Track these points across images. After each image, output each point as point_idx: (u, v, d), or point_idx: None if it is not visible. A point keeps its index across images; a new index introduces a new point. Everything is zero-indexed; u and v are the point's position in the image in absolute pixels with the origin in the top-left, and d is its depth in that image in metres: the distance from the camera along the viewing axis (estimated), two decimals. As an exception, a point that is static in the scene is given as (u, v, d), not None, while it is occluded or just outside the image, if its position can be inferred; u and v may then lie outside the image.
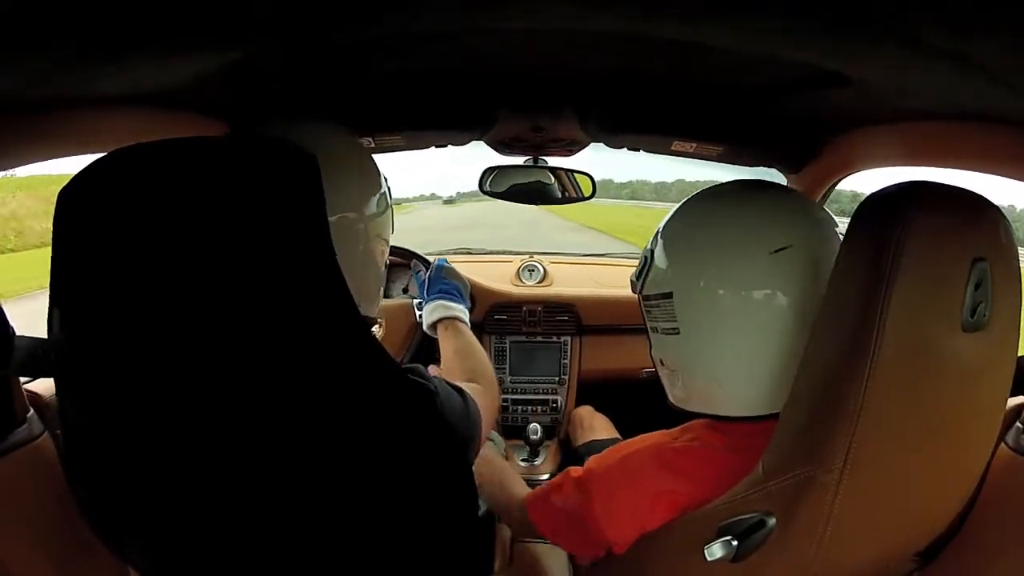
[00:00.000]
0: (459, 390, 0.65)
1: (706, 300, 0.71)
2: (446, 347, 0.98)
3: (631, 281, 0.85)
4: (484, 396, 0.75)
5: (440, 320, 1.02)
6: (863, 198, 0.58)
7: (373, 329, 1.38)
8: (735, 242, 0.70)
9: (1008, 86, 0.56)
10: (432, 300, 1.05)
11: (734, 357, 0.71)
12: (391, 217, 0.82)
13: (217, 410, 0.46)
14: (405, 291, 1.63)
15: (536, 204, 1.60)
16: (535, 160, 1.49)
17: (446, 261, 1.14)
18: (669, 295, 0.75)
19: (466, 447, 0.64)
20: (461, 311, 1.04)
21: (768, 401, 0.69)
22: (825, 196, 1.18)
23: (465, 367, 0.89)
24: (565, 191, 1.56)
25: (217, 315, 0.44)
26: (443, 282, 1.08)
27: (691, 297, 0.73)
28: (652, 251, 0.79)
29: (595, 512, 0.75)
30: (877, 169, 1.02)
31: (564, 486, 0.81)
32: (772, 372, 0.69)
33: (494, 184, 1.53)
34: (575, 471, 0.81)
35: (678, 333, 0.75)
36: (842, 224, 0.69)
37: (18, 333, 0.67)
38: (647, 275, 0.80)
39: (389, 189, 0.81)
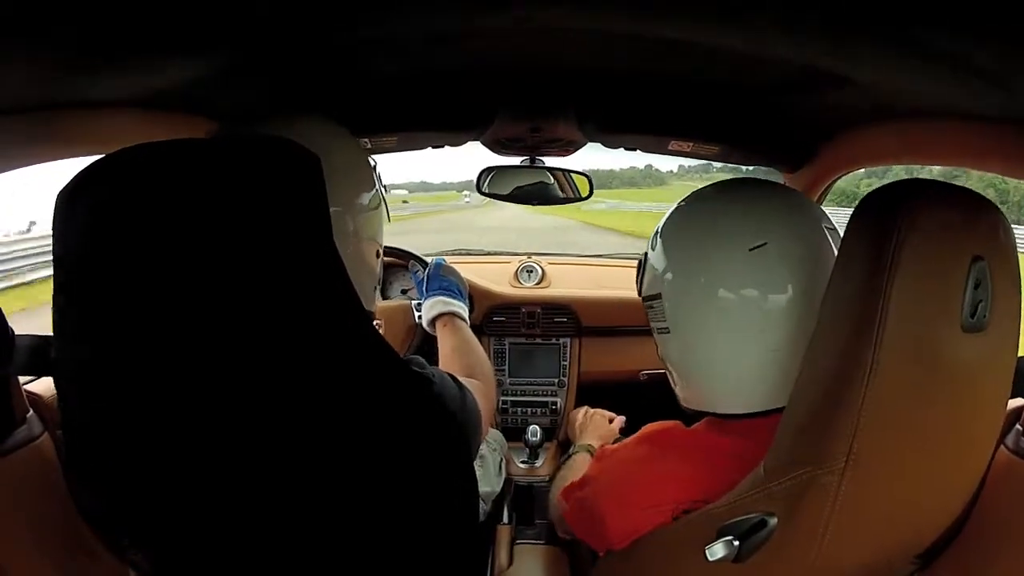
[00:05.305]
0: (456, 380, 0.66)
1: (689, 298, 0.73)
2: (444, 344, 0.97)
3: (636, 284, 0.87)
4: (482, 393, 0.75)
5: (439, 316, 1.03)
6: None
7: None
8: (713, 241, 0.72)
9: (1006, 86, 0.56)
10: (431, 297, 1.05)
11: (720, 353, 0.72)
12: (384, 215, 0.82)
13: (220, 406, 0.46)
14: (404, 292, 1.63)
15: (533, 204, 1.60)
16: (532, 160, 1.48)
17: (444, 260, 1.14)
18: (659, 296, 0.77)
19: (465, 437, 0.64)
20: (460, 307, 1.05)
21: (762, 398, 0.70)
22: (824, 194, 1.18)
23: (463, 364, 0.89)
24: (564, 191, 1.56)
25: (220, 312, 0.44)
26: (441, 279, 1.08)
27: (676, 296, 0.75)
28: (646, 254, 0.82)
29: (601, 499, 0.77)
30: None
31: (585, 473, 0.84)
32: (760, 368, 0.70)
33: (494, 185, 1.53)
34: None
35: (669, 332, 0.77)
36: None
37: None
38: (643, 277, 0.82)
39: (384, 188, 0.81)
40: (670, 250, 0.77)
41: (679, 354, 0.77)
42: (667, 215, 0.81)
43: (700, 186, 0.80)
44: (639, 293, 0.84)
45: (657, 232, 0.80)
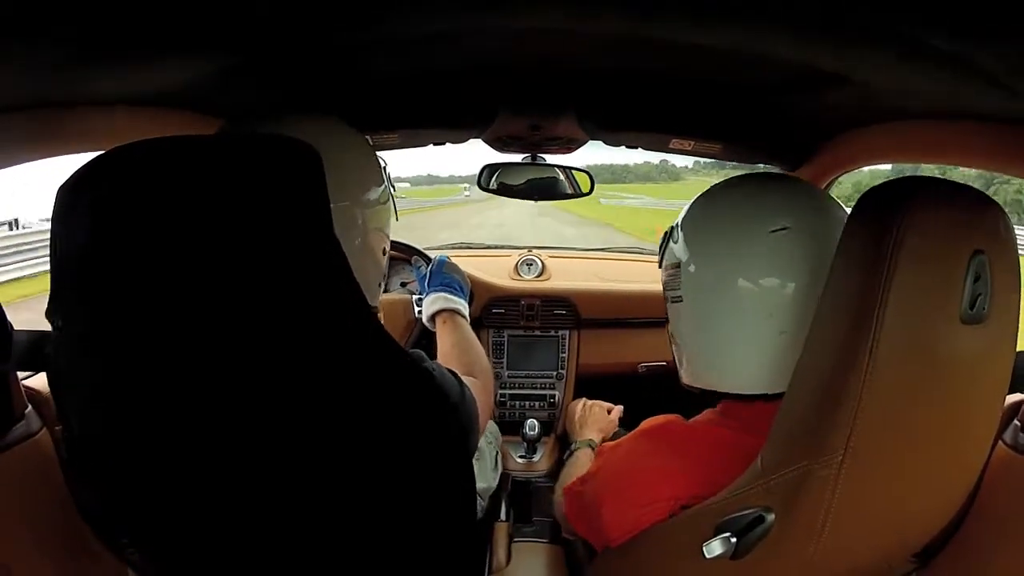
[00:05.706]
0: (455, 376, 0.66)
1: (707, 270, 0.75)
2: (444, 340, 0.98)
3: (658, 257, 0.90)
4: (480, 391, 0.75)
5: (440, 312, 1.03)
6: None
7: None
8: (737, 219, 0.74)
9: (1007, 87, 0.56)
10: (432, 292, 1.05)
11: (729, 327, 0.73)
12: (392, 210, 0.82)
13: (221, 401, 0.46)
14: (403, 285, 1.63)
15: (535, 199, 1.60)
16: (533, 158, 1.49)
17: (447, 257, 1.14)
18: (678, 265, 0.79)
19: (464, 432, 0.65)
20: (461, 305, 1.05)
21: (766, 379, 0.71)
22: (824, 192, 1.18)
23: (463, 361, 0.89)
24: (566, 188, 1.56)
25: (223, 308, 0.44)
26: (444, 276, 1.08)
27: (694, 266, 0.77)
28: (672, 228, 0.84)
29: (600, 495, 0.77)
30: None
31: (588, 470, 0.85)
32: (765, 347, 0.71)
33: (496, 181, 1.53)
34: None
35: (682, 301, 0.79)
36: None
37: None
38: (665, 248, 0.85)
39: (392, 185, 0.81)
40: (696, 225, 0.79)
41: (688, 324, 0.79)
42: (695, 199, 0.83)
43: (715, 182, 0.82)
44: (660, 264, 0.86)
45: (686, 209, 0.83)
